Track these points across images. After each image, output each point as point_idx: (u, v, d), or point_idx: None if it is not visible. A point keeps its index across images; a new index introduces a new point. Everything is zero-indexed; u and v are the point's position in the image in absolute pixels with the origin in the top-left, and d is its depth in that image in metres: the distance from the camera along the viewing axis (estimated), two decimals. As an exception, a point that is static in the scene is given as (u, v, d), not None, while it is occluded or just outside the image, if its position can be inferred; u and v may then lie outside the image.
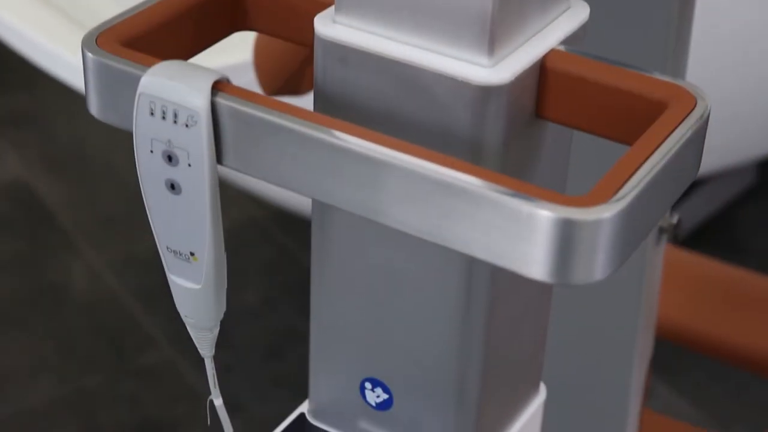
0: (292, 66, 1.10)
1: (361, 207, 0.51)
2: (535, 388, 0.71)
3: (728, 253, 1.95)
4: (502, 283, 0.61)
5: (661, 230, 0.79)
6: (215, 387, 0.64)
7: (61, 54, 1.46)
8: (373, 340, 0.64)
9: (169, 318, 2.04)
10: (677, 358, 1.90)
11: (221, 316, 0.60)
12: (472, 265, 0.58)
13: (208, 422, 0.65)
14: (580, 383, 0.87)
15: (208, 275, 0.57)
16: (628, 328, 0.82)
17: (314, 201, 0.62)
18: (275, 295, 2.11)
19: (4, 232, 2.24)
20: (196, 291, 0.58)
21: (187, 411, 1.86)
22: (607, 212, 0.47)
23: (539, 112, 0.57)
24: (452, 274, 0.59)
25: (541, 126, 0.58)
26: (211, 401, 0.64)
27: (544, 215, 0.47)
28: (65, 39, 1.49)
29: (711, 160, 1.89)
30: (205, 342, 0.61)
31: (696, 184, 2.09)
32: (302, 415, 0.69)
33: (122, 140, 2.35)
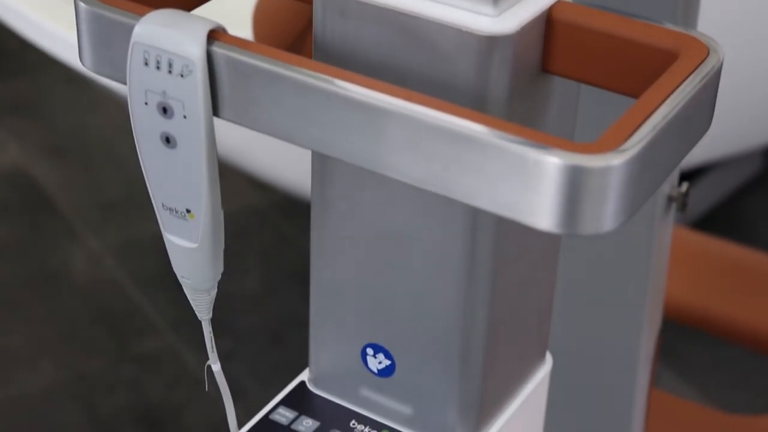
0: (291, 33, 1.08)
1: (363, 158, 0.49)
2: (541, 357, 0.69)
3: (735, 240, 1.93)
4: (508, 243, 0.59)
5: (670, 199, 0.77)
6: (213, 351, 0.62)
7: (57, 32, 1.45)
8: (375, 304, 0.62)
9: (169, 304, 2.02)
10: (683, 344, 1.88)
11: (219, 277, 0.59)
12: (476, 224, 0.57)
13: (206, 388, 0.64)
14: (588, 356, 0.86)
15: (205, 233, 0.56)
16: (637, 300, 0.80)
17: (314, 160, 0.60)
18: (276, 282, 2.10)
19: (4, 218, 2.22)
20: (193, 250, 0.56)
21: (187, 396, 1.85)
22: (616, 159, 0.45)
23: (546, 66, 0.55)
24: (456, 233, 0.57)
25: (548, 81, 0.56)
26: (209, 366, 0.63)
27: (552, 162, 0.45)
28: (61, 16, 1.47)
29: (717, 147, 1.88)
30: (202, 304, 0.60)
31: (703, 171, 2.07)
32: (302, 383, 0.68)
33: (122, 127, 2.34)
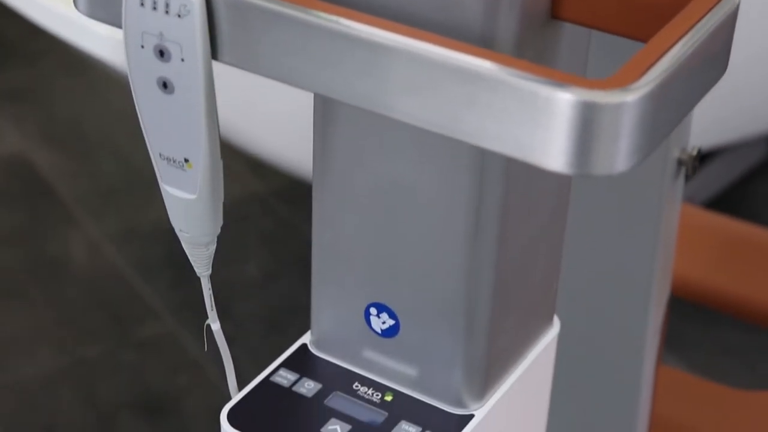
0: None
1: (367, 100, 0.48)
2: (548, 320, 0.67)
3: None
4: (515, 197, 0.57)
5: (680, 163, 0.76)
6: (212, 310, 0.60)
7: (53, 7, 1.43)
8: (378, 261, 0.61)
9: (170, 290, 2.01)
10: (689, 331, 1.87)
11: (218, 230, 0.57)
12: (483, 175, 0.55)
13: (205, 348, 0.62)
14: (596, 328, 0.84)
15: (204, 183, 0.54)
16: (645, 266, 0.79)
17: (316, 113, 0.58)
18: (276, 268, 2.08)
19: (3, 205, 2.21)
20: (191, 202, 0.55)
21: (188, 382, 1.84)
22: (630, 96, 0.43)
23: (555, 12, 0.54)
24: (462, 186, 0.56)
25: (557, 27, 0.55)
26: (209, 326, 0.61)
27: (564, 98, 0.43)
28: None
29: (724, 133, 1.86)
30: (201, 260, 0.58)
31: (709, 157, 2.06)
32: (304, 345, 0.66)
33: (121, 114, 2.33)
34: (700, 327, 1.88)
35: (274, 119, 1.54)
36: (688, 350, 1.88)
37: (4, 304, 2.00)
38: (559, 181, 0.61)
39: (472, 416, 0.62)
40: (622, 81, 0.44)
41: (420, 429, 0.61)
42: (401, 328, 0.62)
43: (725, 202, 2.11)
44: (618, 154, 0.44)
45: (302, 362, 0.65)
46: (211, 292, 0.59)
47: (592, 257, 0.81)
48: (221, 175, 0.54)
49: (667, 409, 0.96)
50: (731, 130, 1.88)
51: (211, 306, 0.60)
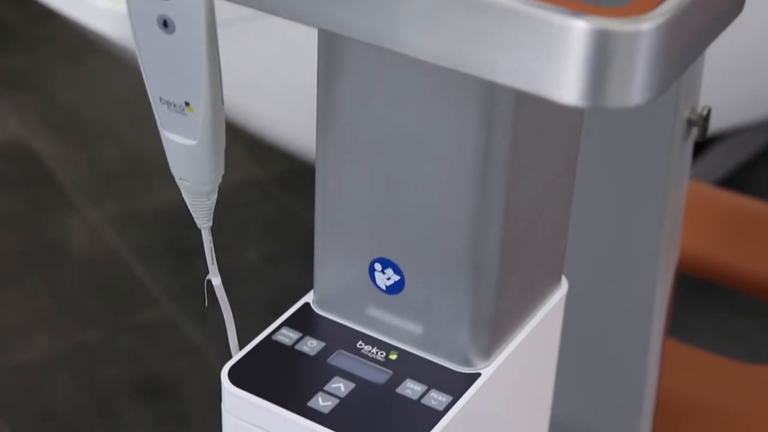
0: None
1: (374, 33, 0.46)
2: (556, 280, 0.66)
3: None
4: (525, 145, 0.56)
5: (690, 123, 0.74)
6: (213, 264, 0.59)
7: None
8: (383, 215, 0.59)
9: (169, 275, 1.99)
10: (691, 317, 1.85)
11: (219, 179, 0.55)
12: (491, 122, 0.54)
13: (206, 303, 0.61)
14: (603, 296, 0.83)
15: (205, 128, 0.52)
16: (654, 229, 0.77)
17: (320, 55, 0.56)
18: (276, 254, 2.07)
19: (3, 190, 2.20)
20: (192, 147, 0.53)
21: (187, 367, 1.82)
22: (647, 24, 0.42)
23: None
24: (470, 133, 0.54)
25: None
26: (209, 281, 0.60)
27: (579, 27, 0.42)
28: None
29: (729, 116, 1.85)
30: (201, 210, 0.56)
31: (714, 141, 2.04)
32: (307, 305, 0.64)
33: (121, 101, 2.31)
34: (701, 314, 1.86)
35: (275, 97, 1.53)
36: (690, 336, 1.86)
37: (4, 289, 1.99)
38: (569, 130, 0.60)
39: (478, 375, 0.60)
40: (638, 9, 0.42)
41: (425, 387, 0.60)
42: (406, 284, 0.60)
43: (729, 187, 2.10)
44: (633, 86, 0.43)
45: (305, 321, 0.63)
46: (212, 245, 0.58)
47: (600, 219, 0.79)
48: (223, 119, 0.53)
49: (674, 382, 0.94)
50: (734, 115, 1.86)
51: (212, 260, 0.59)
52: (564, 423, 0.89)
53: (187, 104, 0.52)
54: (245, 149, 2.15)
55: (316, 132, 0.59)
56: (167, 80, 0.52)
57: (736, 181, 2.12)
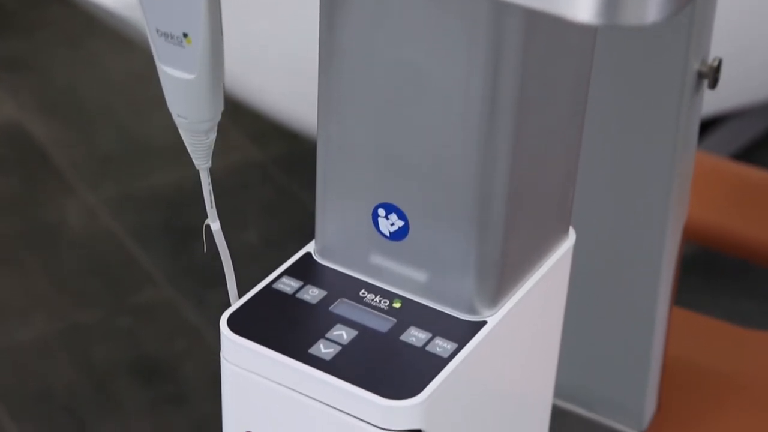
0: None
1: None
2: (564, 230, 0.64)
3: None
4: (533, 84, 0.54)
5: (700, 75, 0.72)
6: (212, 208, 0.57)
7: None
8: (387, 158, 0.57)
9: (166, 256, 1.98)
10: (694, 303, 1.84)
11: (218, 117, 0.54)
12: (499, 58, 0.52)
13: (204, 249, 0.59)
14: (611, 241, 0.81)
15: (203, 62, 0.51)
16: (663, 183, 0.76)
17: (323, -4, 0.55)
18: (275, 236, 2.06)
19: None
20: (190, 82, 0.52)
21: (184, 348, 1.81)
22: (664, -64, 0.40)
23: None
24: (477, 69, 0.53)
25: None
26: (208, 226, 0.58)
27: (592, -62, 0.40)
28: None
29: (733, 96, 1.83)
30: (200, 149, 0.55)
31: (717, 122, 2.03)
32: (308, 254, 0.63)
33: (118, 83, 2.30)
34: (709, 296, 1.85)
35: (275, 72, 1.51)
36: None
37: (1, 271, 1.98)
38: (578, 72, 0.58)
39: (484, 323, 0.59)
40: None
41: (430, 335, 0.58)
42: (410, 229, 0.59)
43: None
44: (649, 1, 0.41)
45: (306, 270, 0.62)
46: (210, 187, 0.56)
47: (609, 173, 0.78)
48: (222, 52, 0.51)
49: (681, 349, 0.93)
50: (736, 96, 1.85)
51: (211, 204, 0.57)
52: (569, 388, 0.88)
53: (185, 35, 0.50)
54: (244, 132, 2.13)
55: (318, 72, 0.57)
56: (165, 10, 0.50)
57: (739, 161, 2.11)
